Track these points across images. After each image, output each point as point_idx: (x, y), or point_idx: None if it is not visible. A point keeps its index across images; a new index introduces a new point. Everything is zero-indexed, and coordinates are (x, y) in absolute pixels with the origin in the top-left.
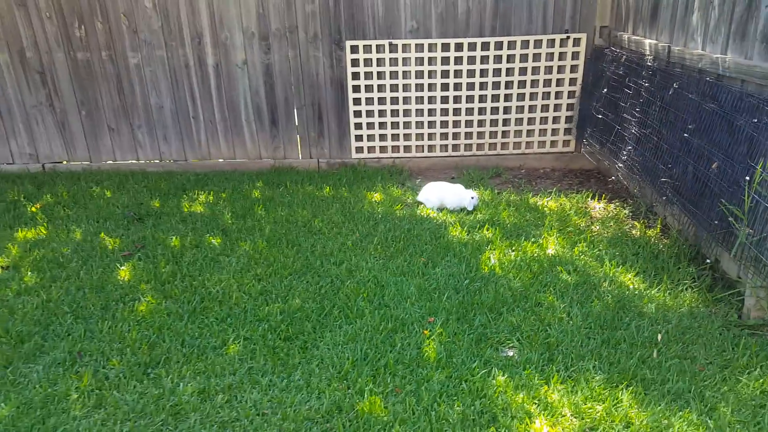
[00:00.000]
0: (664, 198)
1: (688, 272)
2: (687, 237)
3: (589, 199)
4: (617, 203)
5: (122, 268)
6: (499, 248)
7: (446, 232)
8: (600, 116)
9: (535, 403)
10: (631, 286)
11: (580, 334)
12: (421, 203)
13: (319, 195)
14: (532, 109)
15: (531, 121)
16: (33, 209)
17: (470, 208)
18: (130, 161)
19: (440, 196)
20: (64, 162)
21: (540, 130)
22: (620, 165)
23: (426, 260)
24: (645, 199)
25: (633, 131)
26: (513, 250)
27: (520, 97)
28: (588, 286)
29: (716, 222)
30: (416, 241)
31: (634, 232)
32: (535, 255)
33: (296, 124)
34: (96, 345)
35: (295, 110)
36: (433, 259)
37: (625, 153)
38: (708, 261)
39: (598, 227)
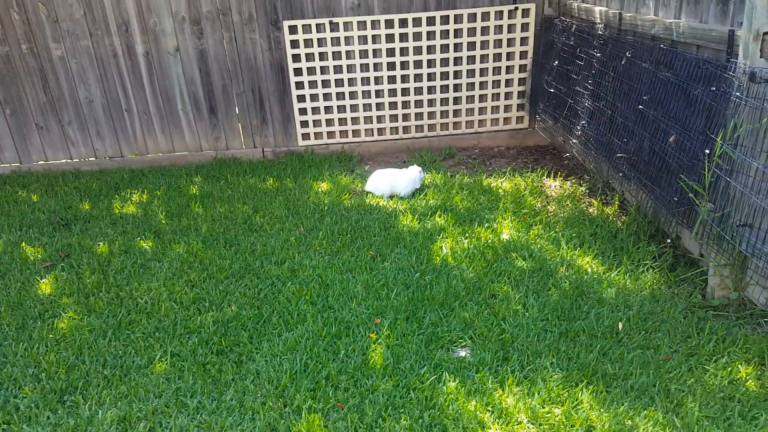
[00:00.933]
0: (620, 174)
1: (648, 251)
2: (646, 214)
3: (545, 177)
4: (573, 180)
5: (43, 281)
6: (452, 236)
7: (396, 221)
8: (552, 90)
9: (489, 410)
10: (590, 270)
11: (536, 328)
12: (370, 192)
13: (261, 187)
14: (483, 85)
15: (483, 98)
16: None
17: (419, 186)
18: (63, 160)
19: (390, 184)
20: None
21: (492, 107)
22: (574, 141)
23: (374, 253)
24: (601, 174)
25: (586, 105)
26: (466, 237)
27: (470, 73)
28: (544, 272)
29: (675, 199)
30: (364, 233)
31: (591, 210)
32: (489, 241)
33: (237, 112)
34: (8, 371)
35: (235, 97)
36: (382, 251)
37: (579, 128)
38: (668, 240)
39: (554, 207)
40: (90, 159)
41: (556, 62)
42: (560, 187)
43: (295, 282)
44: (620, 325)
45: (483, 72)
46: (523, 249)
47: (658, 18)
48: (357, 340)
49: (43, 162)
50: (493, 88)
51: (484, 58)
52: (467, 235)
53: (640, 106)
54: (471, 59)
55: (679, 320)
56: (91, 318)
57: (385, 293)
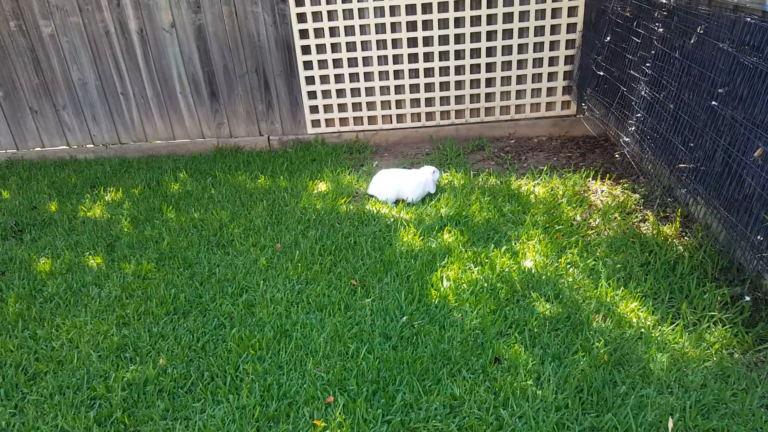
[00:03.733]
0: (684, 190)
1: (716, 295)
2: (716, 238)
3: (590, 178)
4: (626, 184)
5: None
6: (459, 261)
7: (394, 237)
8: (601, 73)
9: None
10: (635, 321)
11: (548, 421)
12: (373, 196)
13: (250, 187)
14: (521, 64)
15: (521, 79)
16: None
17: (432, 191)
18: (60, 147)
19: (396, 187)
20: None
21: (533, 89)
22: (627, 138)
23: (357, 283)
24: (661, 180)
25: (642, 94)
26: (477, 264)
27: (506, 50)
28: (573, 323)
29: (759, 237)
30: (351, 254)
31: (645, 228)
32: (506, 270)
33: (240, 95)
34: None
35: (237, 79)
36: (367, 280)
37: (632, 122)
38: (746, 299)
39: (597, 221)
40: (87, 146)
41: (608, 38)
42: (608, 192)
43: (247, 325)
44: (670, 423)
45: (522, 48)
46: (549, 285)
47: None
48: (297, 429)
49: (39, 148)
50: (533, 67)
51: (523, 32)
52: (479, 260)
53: (713, 102)
54: (507, 33)
55: (758, 416)
56: None
57: (354, 347)
